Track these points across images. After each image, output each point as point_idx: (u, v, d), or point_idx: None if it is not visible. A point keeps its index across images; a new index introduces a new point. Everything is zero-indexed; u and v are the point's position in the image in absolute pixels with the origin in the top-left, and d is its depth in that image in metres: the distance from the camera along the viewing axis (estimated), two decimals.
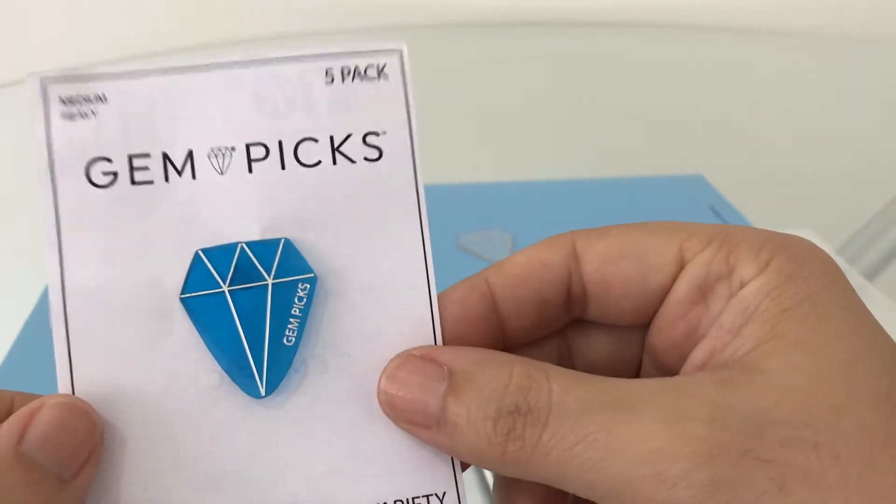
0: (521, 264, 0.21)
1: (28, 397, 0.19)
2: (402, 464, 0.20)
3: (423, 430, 0.19)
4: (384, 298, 0.20)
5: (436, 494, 0.20)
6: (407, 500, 0.20)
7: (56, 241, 0.19)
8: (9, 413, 0.19)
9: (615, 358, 0.22)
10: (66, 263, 0.19)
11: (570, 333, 0.23)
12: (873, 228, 0.58)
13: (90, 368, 0.19)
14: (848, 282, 0.18)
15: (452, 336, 0.21)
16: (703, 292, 0.19)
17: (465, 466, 0.20)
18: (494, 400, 0.18)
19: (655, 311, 0.21)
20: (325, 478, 0.19)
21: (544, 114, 0.82)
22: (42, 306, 0.44)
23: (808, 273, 0.18)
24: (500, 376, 0.18)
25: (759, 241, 0.19)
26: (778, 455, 0.15)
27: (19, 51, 0.83)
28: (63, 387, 0.19)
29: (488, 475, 0.39)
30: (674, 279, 0.20)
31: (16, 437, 0.17)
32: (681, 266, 0.20)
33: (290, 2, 0.99)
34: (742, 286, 0.18)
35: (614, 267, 0.20)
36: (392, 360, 0.20)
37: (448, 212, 0.56)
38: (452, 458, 0.20)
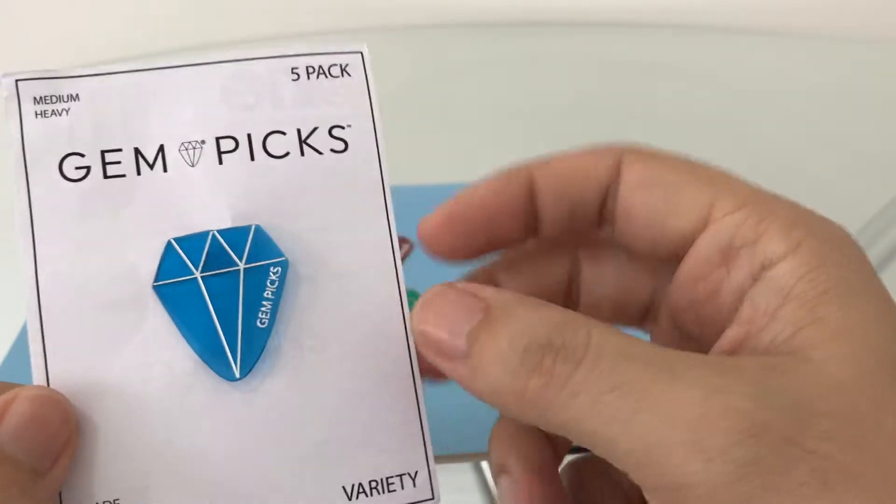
0: (566, 167, 0.21)
1: (4, 387, 0.19)
2: (376, 445, 0.20)
3: (446, 361, 0.18)
4: (355, 284, 0.21)
5: (408, 474, 0.20)
6: (381, 479, 0.20)
7: (30, 233, 0.19)
8: None
9: (621, 298, 0.22)
10: (39, 256, 0.19)
11: (584, 262, 0.22)
12: (873, 228, 0.58)
13: (65, 359, 0.19)
14: (866, 260, 0.18)
15: (484, 217, 0.20)
16: (725, 256, 0.19)
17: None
18: (528, 332, 0.17)
19: (671, 253, 0.20)
20: (300, 459, 0.20)
21: (544, 114, 0.82)
22: None
23: (840, 257, 0.17)
24: (539, 313, 0.17)
25: (792, 217, 0.18)
26: (820, 447, 0.15)
27: (19, 51, 0.83)
28: (38, 378, 0.19)
29: (488, 476, 0.39)
30: (695, 230, 0.19)
31: None
32: (706, 219, 0.19)
33: (289, 2, 0.99)
34: (768, 261, 0.18)
35: (643, 194, 0.20)
36: (429, 290, 0.19)
37: None
38: (424, 437, 0.20)
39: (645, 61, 0.98)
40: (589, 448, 0.17)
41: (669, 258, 0.20)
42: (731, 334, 0.18)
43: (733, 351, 0.18)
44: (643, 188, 0.20)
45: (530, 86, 0.91)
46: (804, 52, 1.02)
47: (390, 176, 0.21)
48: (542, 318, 0.17)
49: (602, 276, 0.22)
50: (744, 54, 1.02)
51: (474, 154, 0.73)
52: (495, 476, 0.22)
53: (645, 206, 0.20)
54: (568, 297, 0.22)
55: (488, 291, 0.18)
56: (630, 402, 0.15)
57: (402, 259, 0.45)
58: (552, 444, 0.22)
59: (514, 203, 0.20)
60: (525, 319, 0.17)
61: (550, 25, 1.06)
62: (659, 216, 0.20)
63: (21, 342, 0.42)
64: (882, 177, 0.69)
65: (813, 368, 0.16)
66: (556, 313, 0.17)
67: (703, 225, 0.19)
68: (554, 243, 0.22)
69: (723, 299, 0.19)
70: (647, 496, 0.16)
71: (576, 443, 0.17)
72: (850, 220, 0.60)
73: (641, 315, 0.22)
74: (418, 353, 0.20)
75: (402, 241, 0.53)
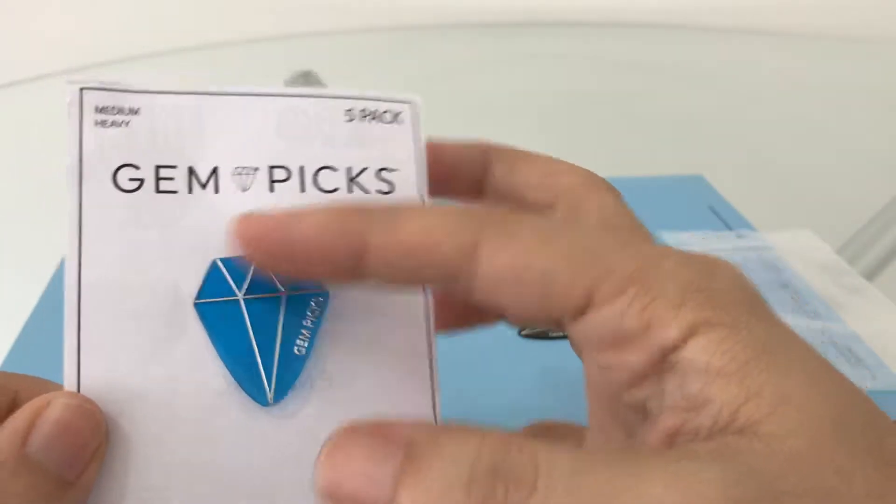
0: (413, 233, 0.17)
1: (33, 383, 0.19)
2: None
3: None
4: (387, 321, 0.21)
5: None
6: None
7: (77, 238, 0.19)
8: (11, 404, 0.19)
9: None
10: (84, 260, 0.19)
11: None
12: (873, 228, 0.58)
13: (98, 366, 0.19)
14: (773, 312, 0.17)
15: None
16: (615, 344, 0.17)
17: None
18: (467, 462, 0.15)
19: (556, 323, 0.18)
20: None
21: (544, 114, 0.82)
22: (45, 301, 0.44)
23: (745, 320, 0.16)
24: (471, 439, 0.15)
25: (679, 290, 0.17)
26: None
27: (19, 51, 0.83)
28: (69, 382, 0.19)
29: None
30: (576, 314, 0.17)
31: (21, 439, 0.17)
32: (587, 305, 0.17)
33: (292, 2, 0.99)
34: (667, 348, 0.16)
35: (509, 290, 0.17)
36: (333, 433, 0.16)
37: None
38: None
39: (645, 61, 0.98)
40: None
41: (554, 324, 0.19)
42: (663, 424, 0.17)
43: (671, 441, 0.17)
44: (508, 284, 0.17)
45: (530, 86, 0.91)
46: (804, 52, 1.02)
47: None
48: (477, 445, 0.15)
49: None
50: (744, 54, 1.02)
51: None
52: None
53: (515, 300, 0.17)
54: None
55: (401, 425, 0.16)
56: None
57: None
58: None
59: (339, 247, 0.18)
60: (457, 450, 0.15)
61: (550, 25, 1.06)
62: (532, 309, 0.18)
63: (21, 341, 0.42)
64: (882, 177, 0.69)
65: (765, 445, 0.15)
66: (492, 435, 0.15)
67: (586, 306, 0.17)
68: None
69: (619, 376, 0.17)
70: None
71: None
72: (850, 220, 0.60)
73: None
74: None
75: None
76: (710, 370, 0.16)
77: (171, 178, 0.20)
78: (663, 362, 0.17)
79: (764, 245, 0.53)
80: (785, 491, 0.14)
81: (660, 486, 0.14)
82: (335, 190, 0.21)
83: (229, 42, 0.94)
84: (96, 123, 0.20)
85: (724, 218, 0.57)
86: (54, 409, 0.17)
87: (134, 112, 0.20)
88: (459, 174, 0.24)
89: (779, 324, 0.17)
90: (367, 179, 0.22)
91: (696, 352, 0.16)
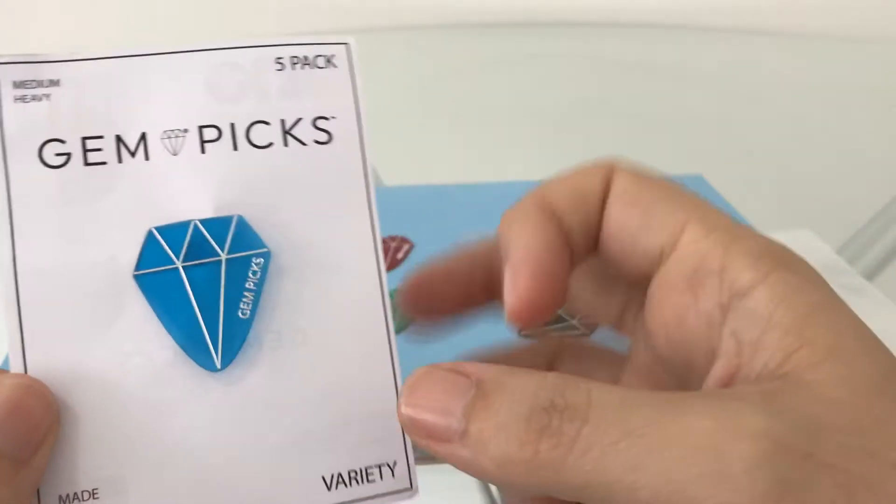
0: (572, 185, 0.21)
1: None
2: (355, 436, 0.20)
3: (441, 444, 0.17)
4: (336, 277, 0.21)
5: (387, 464, 0.20)
6: (360, 469, 0.20)
7: (8, 220, 0.19)
8: None
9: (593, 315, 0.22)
10: (17, 243, 0.19)
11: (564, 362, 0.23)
12: (873, 228, 0.58)
13: (43, 348, 0.19)
14: (831, 287, 0.18)
15: (534, 257, 0.20)
16: (691, 282, 0.19)
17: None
18: (528, 398, 0.16)
19: (644, 276, 0.20)
20: (279, 450, 0.20)
21: (544, 114, 0.82)
22: None
23: (813, 285, 0.18)
24: (533, 379, 0.17)
25: (759, 249, 0.18)
26: (839, 461, 0.15)
27: (19, 51, 0.83)
28: (15, 367, 0.18)
29: None
30: (662, 251, 0.19)
31: None
32: (674, 242, 0.19)
33: (288, 2, 0.99)
34: (737, 291, 0.18)
35: (620, 211, 0.20)
36: (414, 372, 0.19)
37: (448, 212, 0.56)
38: (403, 430, 0.20)
39: (645, 61, 0.98)
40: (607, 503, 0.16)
41: (639, 277, 0.21)
42: (719, 369, 0.18)
43: (725, 385, 0.18)
44: (622, 203, 0.20)
45: (530, 86, 0.91)
46: (804, 52, 1.02)
47: (385, 174, 0.21)
48: (537, 384, 0.17)
49: (578, 296, 0.22)
50: (744, 54, 1.02)
51: (474, 154, 0.73)
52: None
53: (620, 219, 0.20)
54: None
55: (474, 367, 0.18)
56: (644, 445, 0.15)
57: (402, 258, 0.45)
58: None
59: (559, 237, 0.20)
60: (520, 388, 0.17)
61: (550, 25, 1.06)
62: (632, 232, 0.20)
63: None
64: (882, 177, 0.69)
65: (809, 390, 0.16)
66: (550, 377, 0.17)
67: (672, 246, 0.19)
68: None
69: (690, 324, 0.19)
70: None
71: (590, 503, 0.16)
72: (850, 220, 0.60)
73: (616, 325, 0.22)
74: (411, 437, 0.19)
75: (402, 241, 0.53)
76: (769, 319, 0.17)
77: (98, 150, 0.20)
78: (729, 308, 0.18)
79: None
80: (826, 426, 0.15)
81: (706, 420, 0.15)
82: (269, 145, 0.21)
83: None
84: (16, 99, 0.19)
85: None
86: (2, 390, 0.17)
87: (55, 83, 0.20)
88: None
89: (836, 295, 0.18)
90: (303, 130, 0.21)
91: (759, 301, 0.17)
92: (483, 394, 0.17)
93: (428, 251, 0.54)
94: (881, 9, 1.02)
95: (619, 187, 0.20)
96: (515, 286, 0.20)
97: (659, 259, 0.20)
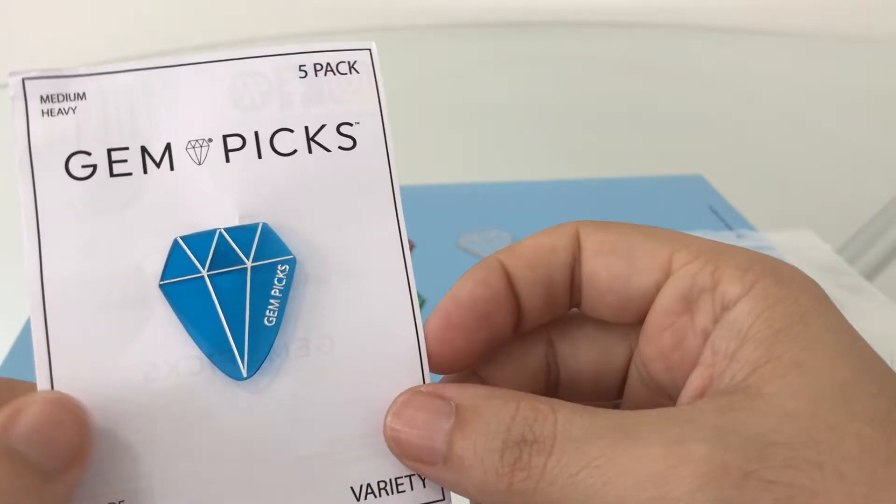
0: (530, 247, 0.21)
1: (14, 385, 0.19)
2: (384, 446, 0.20)
3: (427, 467, 0.19)
4: (364, 284, 0.21)
5: (418, 475, 0.20)
6: (389, 480, 0.20)
7: (35, 233, 0.19)
8: None
9: (598, 369, 0.23)
10: (44, 255, 0.19)
11: (557, 342, 0.23)
12: (873, 228, 0.58)
13: (69, 359, 0.19)
14: (834, 305, 0.19)
15: (479, 314, 0.21)
16: (687, 303, 0.19)
17: None
18: (501, 431, 0.18)
19: (638, 313, 0.21)
20: (307, 459, 0.19)
21: (544, 114, 0.82)
22: None
23: (796, 296, 0.18)
24: (506, 409, 0.18)
25: (747, 262, 0.19)
26: (782, 476, 0.15)
27: (16, 52, 0.83)
28: (42, 377, 0.18)
29: None
30: (657, 285, 0.20)
31: (1, 429, 0.17)
32: (667, 274, 0.20)
33: (290, 3, 0.99)
34: (727, 304, 0.19)
35: (604, 260, 0.21)
36: (398, 397, 0.20)
37: (448, 212, 0.56)
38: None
39: (645, 61, 0.98)
40: None
41: (637, 318, 0.21)
42: (695, 380, 0.19)
43: (698, 396, 0.19)
44: (603, 255, 0.21)
45: (530, 86, 0.91)
46: (804, 52, 1.02)
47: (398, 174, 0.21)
48: (510, 414, 0.18)
49: (577, 352, 0.23)
50: (744, 54, 1.02)
51: (474, 154, 0.73)
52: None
53: (607, 270, 0.21)
54: (548, 377, 0.23)
55: (453, 390, 0.19)
56: (599, 476, 0.16)
57: None
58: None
59: (500, 292, 0.21)
60: (495, 417, 0.18)
61: (550, 25, 1.06)
62: (622, 278, 0.20)
63: (23, 340, 0.42)
64: (882, 177, 0.69)
65: (764, 403, 0.16)
66: (524, 404, 0.18)
67: (665, 278, 0.20)
68: (526, 329, 0.22)
69: (689, 344, 0.20)
70: None
71: None
72: (850, 220, 0.60)
73: (622, 381, 0.23)
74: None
75: None
76: (746, 333, 0.18)
77: (124, 161, 0.20)
78: (719, 320, 0.19)
79: (764, 245, 0.53)
80: (774, 442, 0.16)
81: (654, 448, 0.16)
82: (294, 152, 0.21)
83: (230, 42, 0.94)
84: (43, 113, 0.20)
85: (724, 218, 0.57)
86: (35, 405, 0.17)
87: (80, 97, 0.20)
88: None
89: (828, 305, 0.18)
90: (328, 137, 0.21)
91: (740, 314, 0.18)
92: (461, 422, 0.18)
93: (428, 251, 0.55)
94: (881, 9, 1.02)
95: (593, 239, 0.21)
96: (426, 326, 0.21)
97: (653, 295, 0.20)
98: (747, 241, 0.53)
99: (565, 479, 0.17)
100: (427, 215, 0.55)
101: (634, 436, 0.17)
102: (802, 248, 0.52)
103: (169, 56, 0.21)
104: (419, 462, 0.19)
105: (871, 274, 0.53)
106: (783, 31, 1.05)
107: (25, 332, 0.43)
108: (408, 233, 0.21)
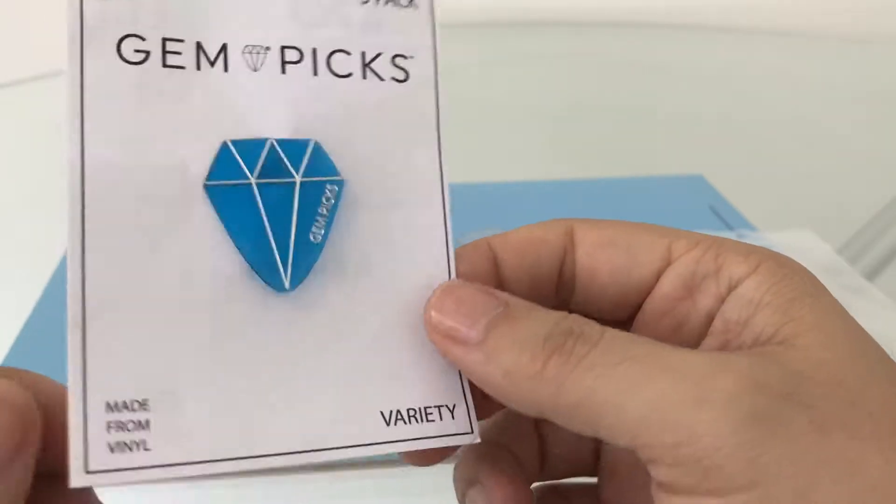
0: (521, 235, 0.22)
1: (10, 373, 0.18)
2: (415, 375, 0.20)
3: (458, 346, 0.19)
4: (403, 215, 0.21)
5: (447, 406, 0.20)
6: (419, 409, 0.20)
7: (79, 112, 0.18)
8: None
9: None
10: (87, 135, 0.18)
11: None
12: (873, 228, 0.58)
13: (104, 248, 0.18)
14: (819, 280, 0.19)
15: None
16: (689, 289, 0.20)
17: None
18: (550, 325, 0.18)
19: (635, 305, 0.21)
20: (340, 379, 0.19)
21: (544, 114, 0.82)
22: (44, 303, 0.44)
23: (799, 277, 0.19)
24: (557, 313, 0.18)
25: (747, 249, 0.20)
26: (818, 403, 0.16)
27: (19, 51, 0.83)
28: (73, 265, 0.17)
29: None
30: (658, 276, 0.20)
31: None
32: (667, 263, 0.20)
33: None
34: (732, 284, 0.19)
35: (603, 253, 0.21)
36: (445, 282, 0.20)
37: None
38: (461, 375, 0.20)
39: (645, 61, 0.98)
40: (594, 428, 0.17)
41: (633, 311, 0.21)
42: (705, 346, 0.19)
43: None
44: (603, 248, 0.21)
45: (530, 86, 0.91)
46: (804, 52, 1.02)
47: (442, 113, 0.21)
48: (560, 315, 0.18)
49: None
50: (744, 54, 1.02)
51: (475, 154, 0.73)
52: (462, 494, 0.22)
53: (608, 263, 0.21)
54: None
55: (506, 294, 0.19)
56: (640, 369, 0.16)
57: None
58: (521, 464, 0.23)
59: (484, 274, 0.21)
60: (545, 317, 0.18)
61: (550, 25, 1.06)
62: (623, 270, 0.21)
63: (25, 334, 0.42)
64: (882, 177, 0.69)
65: (798, 352, 0.17)
66: (572, 315, 0.18)
67: (665, 267, 0.20)
68: None
69: (689, 327, 0.20)
70: (652, 470, 0.17)
71: (579, 429, 0.17)
72: (850, 220, 0.60)
73: None
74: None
75: None
76: (759, 302, 0.18)
77: (178, 53, 0.19)
78: (725, 299, 0.19)
79: (764, 245, 0.53)
80: (809, 380, 0.16)
81: (700, 357, 0.17)
82: (349, 75, 0.21)
83: None
84: None
85: (725, 218, 0.57)
86: None
87: None
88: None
89: (822, 286, 0.19)
90: (382, 66, 0.21)
91: (749, 288, 0.19)
92: (509, 313, 0.18)
93: None
94: (881, 9, 1.02)
95: (590, 235, 0.21)
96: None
97: (654, 283, 0.21)
98: (747, 241, 0.53)
99: (604, 369, 0.17)
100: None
101: (681, 351, 0.17)
102: (802, 248, 0.52)
103: None
104: (449, 339, 0.19)
105: (871, 274, 0.53)
106: (783, 31, 1.05)
107: (26, 332, 0.43)
108: None
